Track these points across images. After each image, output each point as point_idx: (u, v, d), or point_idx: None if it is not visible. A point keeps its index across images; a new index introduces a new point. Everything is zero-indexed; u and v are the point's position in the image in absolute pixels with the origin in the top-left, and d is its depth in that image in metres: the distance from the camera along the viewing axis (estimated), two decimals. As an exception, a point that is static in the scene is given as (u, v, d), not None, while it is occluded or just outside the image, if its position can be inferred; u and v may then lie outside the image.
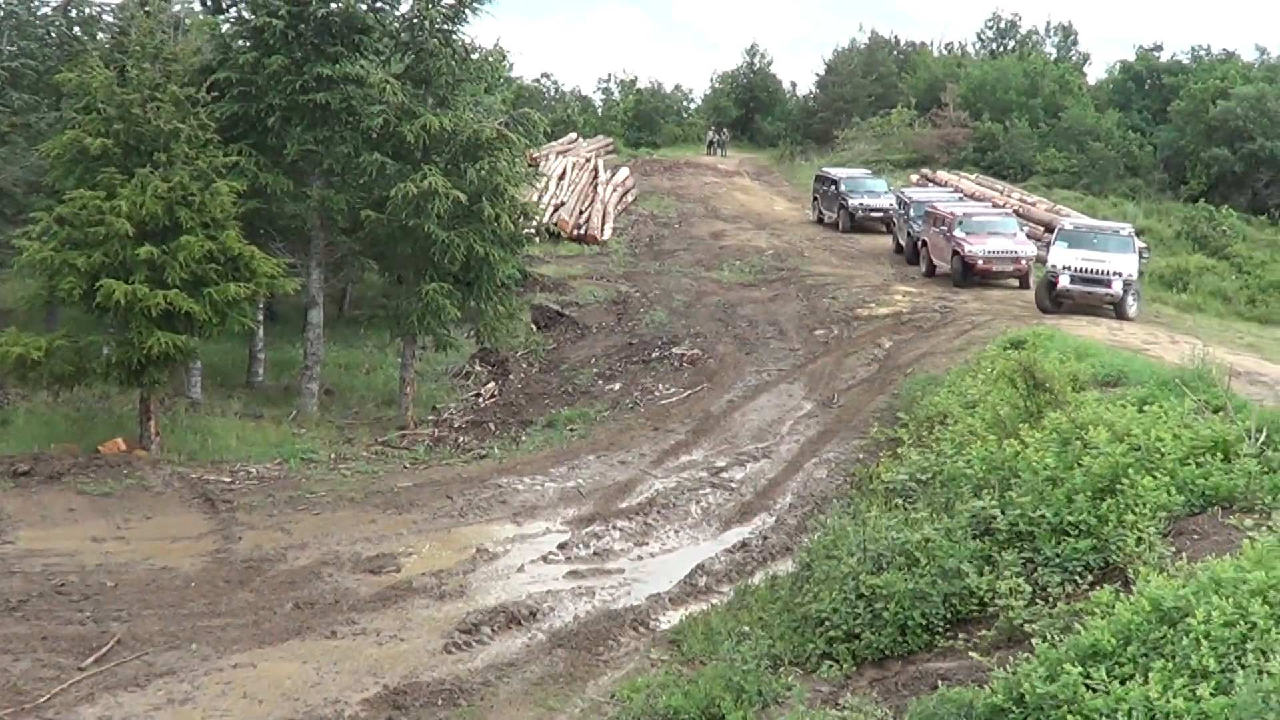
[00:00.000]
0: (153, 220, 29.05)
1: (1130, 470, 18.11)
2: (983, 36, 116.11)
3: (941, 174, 73.79)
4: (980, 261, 46.49)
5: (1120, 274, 42.26)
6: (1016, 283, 47.34)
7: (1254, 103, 75.74)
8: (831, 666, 17.67)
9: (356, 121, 34.84)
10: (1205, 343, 30.39)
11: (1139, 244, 50.51)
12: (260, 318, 36.43)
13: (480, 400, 38.91)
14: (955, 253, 47.24)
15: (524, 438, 34.15)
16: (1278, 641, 11.45)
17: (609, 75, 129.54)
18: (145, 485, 27.84)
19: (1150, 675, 12.00)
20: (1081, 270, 42.37)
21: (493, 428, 35.53)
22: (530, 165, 53.80)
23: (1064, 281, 42.43)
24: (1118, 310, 42.36)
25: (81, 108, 31.00)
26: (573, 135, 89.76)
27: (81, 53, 34.54)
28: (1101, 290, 42.58)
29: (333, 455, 31.62)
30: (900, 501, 22.35)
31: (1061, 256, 43.13)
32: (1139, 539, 16.28)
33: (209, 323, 29.81)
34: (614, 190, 68.95)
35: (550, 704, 17.68)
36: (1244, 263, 57.47)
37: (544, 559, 24.09)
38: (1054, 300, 42.70)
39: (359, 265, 39.31)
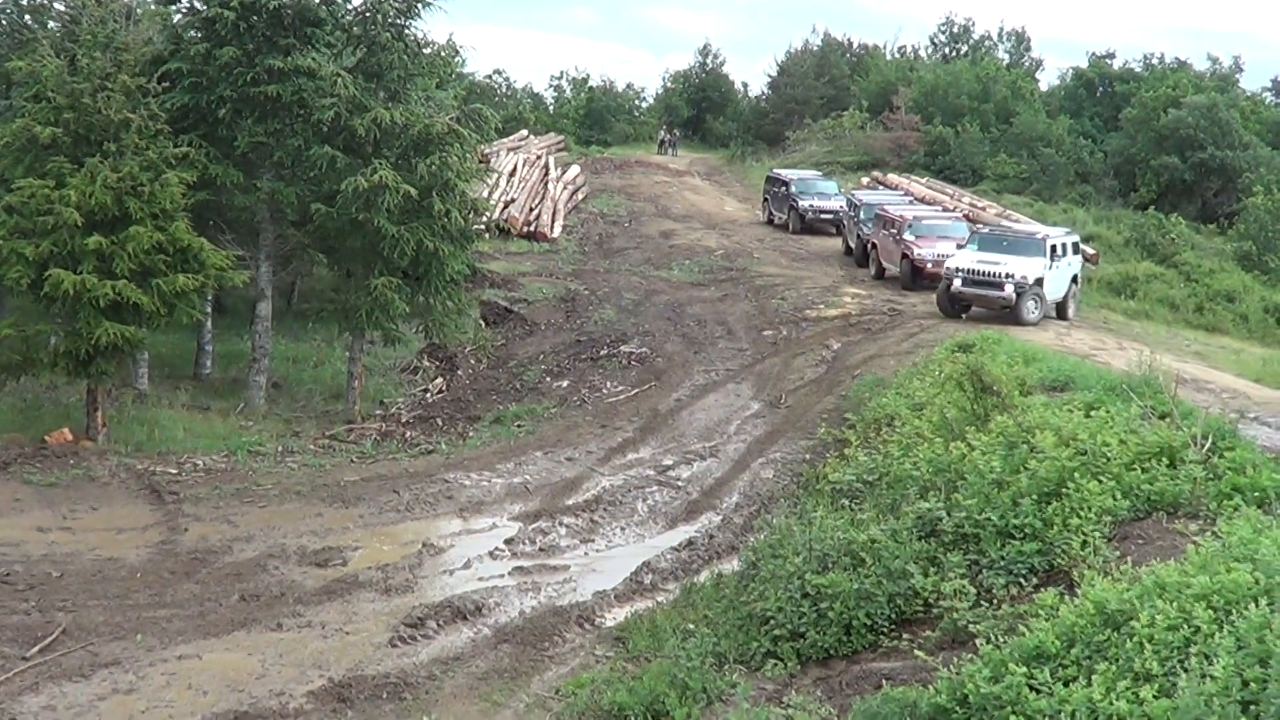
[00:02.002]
0: (102, 210, 28.89)
1: (1076, 474, 18.22)
2: (936, 41, 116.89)
3: (892, 177, 73.97)
4: (929, 265, 46.40)
5: (1013, 277, 41.09)
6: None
7: (1205, 112, 76.43)
8: (776, 665, 17.74)
9: (307, 114, 34.70)
10: (1152, 349, 30.56)
11: (1087, 250, 50.87)
12: (208, 310, 36.21)
13: (428, 396, 38.85)
14: (904, 256, 47.28)
15: (471, 433, 34.13)
16: (1220, 645, 11.53)
17: (561, 73, 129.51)
18: (91, 476, 27.73)
19: (1094, 677, 12.09)
20: (974, 272, 41.70)
21: (440, 423, 35.48)
22: (481, 161, 53.53)
23: (956, 284, 41.99)
24: (1013, 314, 41.03)
25: (31, 96, 30.82)
26: (524, 132, 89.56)
27: (32, 41, 34.24)
28: (993, 293, 41.45)
29: (280, 448, 31.50)
30: (847, 502, 22.45)
31: (960, 259, 42.82)
32: (1084, 542, 16.40)
33: (157, 314, 29.66)
34: (564, 188, 68.94)
35: (495, 699, 17.71)
36: (1192, 271, 57.79)
37: (490, 554, 24.12)
38: (950, 302, 42.54)
39: (308, 259, 39.12)
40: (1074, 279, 44.88)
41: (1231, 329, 51.44)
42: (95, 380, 30.01)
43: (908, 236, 47.43)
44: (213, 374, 37.75)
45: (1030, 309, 41.28)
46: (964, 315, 42.15)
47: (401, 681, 18.18)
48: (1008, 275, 41.03)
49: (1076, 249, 46.02)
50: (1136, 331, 44.61)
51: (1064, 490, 18.02)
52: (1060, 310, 43.85)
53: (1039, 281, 41.62)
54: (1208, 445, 19.12)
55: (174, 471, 28.64)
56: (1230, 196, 74.62)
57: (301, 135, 34.51)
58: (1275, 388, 32.53)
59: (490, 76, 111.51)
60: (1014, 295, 40.97)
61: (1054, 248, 42.93)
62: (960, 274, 41.88)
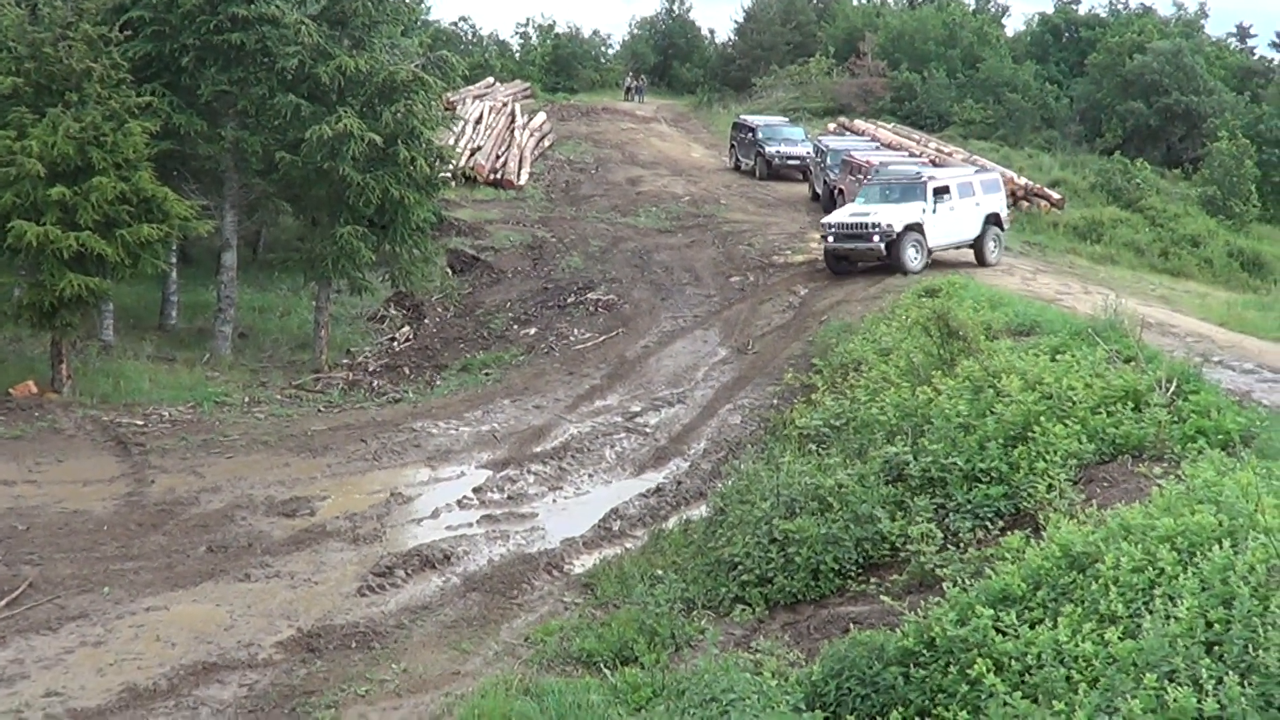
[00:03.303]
0: (64, 161, 28.70)
1: (1042, 418, 18.33)
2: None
3: (859, 123, 73.88)
4: (897, 210, 46.64)
5: (879, 227, 39.57)
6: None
7: (1170, 57, 76.58)
8: (744, 610, 17.84)
9: (271, 62, 34.53)
10: (1118, 294, 30.67)
11: (1052, 194, 50.92)
12: (173, 260, 36.05)
13: (395, 344, 38.78)
14: (871, 201, 47.40)
15: (439, 382, 34.12)
16: (1185, 587, 11.60)
17: (527, 20, 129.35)
18: (57, 428, 27.63)
19: (1060, 619, 12.17)
20: (845, 226, 40.59)
21: (407, 372, 35.45)
22: (447, 109, 53.51)
23: (830, 240, 41.15)
24: (894, 265, 39.69)
25: (-9, 46, 30.62)
26: (490, 79, 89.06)
27: (-9, -10, 34.05)
28: (864, 246, 40.17)
29: (246, 398, 31.45)
30: (814, 447, 22.49)
31: (837, 214, 42.11)
32: (1050, 486, 16.48)
33: (121, 265, 29.51)
34: (531, 135, 68.70)
35: (464, 646, 17.72)
36: (1157, 215, 58.01)
37: (458, 503, 24.12)
38: (833, 259, 41.74)
39: (273, 208, 39.01)
40: (992, 219, 42.70)
41: (1196, 273, 51.73)
42: (60, 332, 29.87)
43: (874, 182, 47.46)
44: (178, 325, 37.62)
45: (911, 257, 40.02)
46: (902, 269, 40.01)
47: (370, 631, 18.19)
48: (874, 226, 39.82)
49: (994, 187, 43.93)
50: (1102, 276, 44.69)
51: (1030, 434, 18.13)
52: (977, 254, 42.16)
53: (915, 228, 40.25)
54: (1172, 389, 19.20)
55: (140, 423, 28.55)
56: (1195, 141, 74.92)
57: (265, 83, 34.34)
58: (1239, 332, 32.65)
59: (456, 23, 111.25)
60: (883, 246, 39.81)
61: (941, 190, 41.28)
62: (833, 230, 41.03)
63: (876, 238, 39.59)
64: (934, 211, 40.65)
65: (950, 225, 41.23)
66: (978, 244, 42.06)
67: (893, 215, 39.87)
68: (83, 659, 17.07)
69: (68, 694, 15.98)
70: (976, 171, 45.43)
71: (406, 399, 32.17)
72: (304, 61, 33.75)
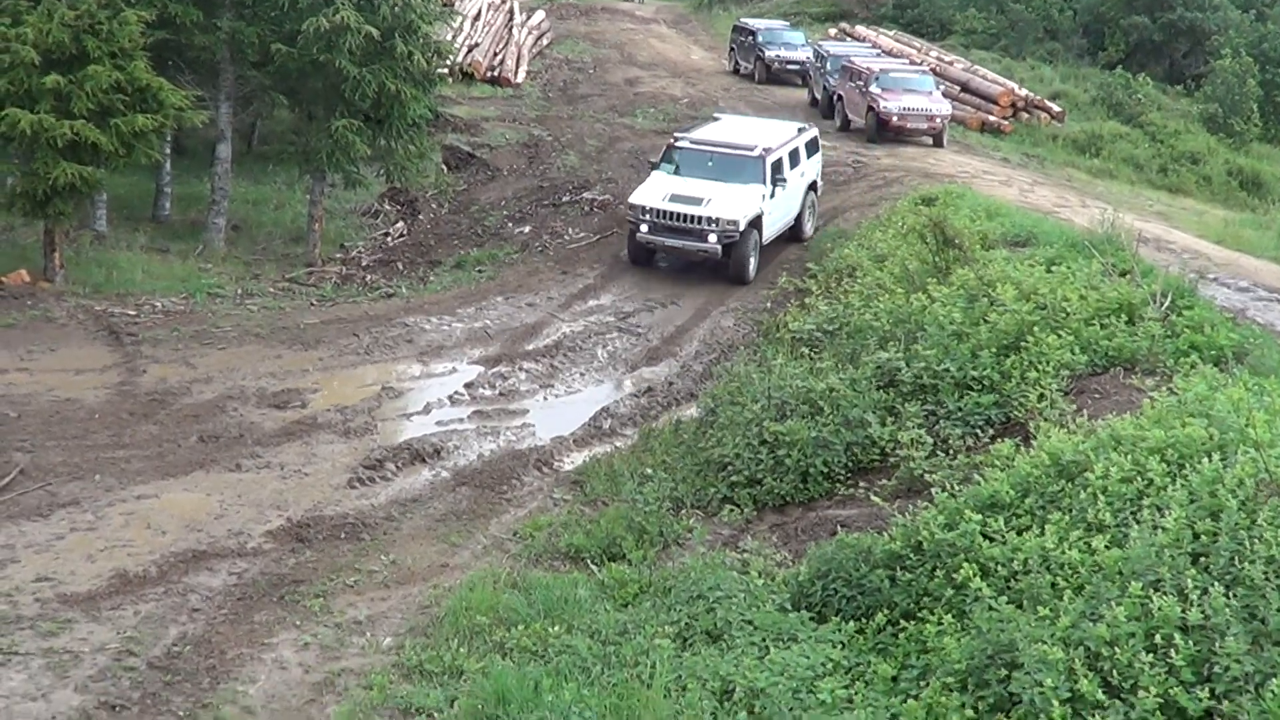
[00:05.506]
0: (59, 49, 28.38)
1: (1035, 328, 18.43)
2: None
3: (860, 29, 73.50)
4: (895, 118, 46.22)
5: (718, 223, 31.36)
6: (930, 140, 47.11)
7: (1175, -28, 76.01)
8: (733, 510, 17.96)
9: (268, -48, 34.24)
10: (1115, 208, 30.64)
11: (1052, 106, 50.64)
12: (167, 151, 35.73)
13: (389, 239, 38.63)
14: (870, 108, 47.03)
15: (432, 278, 34.00)
16: (1173, 498, 11.68)
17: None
18: (49, 317, 27.50)
19: (1047, 527, 12.26)
20: (666, 215, 31.94)
21: (401, 267, 35.34)
22: (445, 4, 53.07)
23: (643, 230, 32.40)
24: (729, 271, 32.15)
25: (-13, -67, 30.29)
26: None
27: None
28: (693, 244, 31.72)
29: (239, 291, 31.29)
30: (806, 351, 22.59)
31: (649, 192, 32.86)
32: (1041, 395, 16.57)
33: (115, 154, 29.23)
34: (529, 33, 68.28)
35: (453, 540, 17.81)
36: (1157, 131, 57.88)
37: (449, 398, 24.11)
38: (642, 252, 33.53)
39: (269, 100, 38.65)
40: (812, 186, 36.35)
41: (1195, 191, 51.71)
42: (53, 221, 29.69)
43: (874, 89, 47.15)
44: (172, 216, 37.42)
45: (751, 261, 32.35)
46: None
47: (360, 522, 18.27)
48: (710, 221, 31.40)
49: (815, 146, 37.10)
50: (1100, 190, 44.66)
51: (1023, 343, 18.24)
52: (795, 231, 35.17)
53: (756, 221, 32.26)
54: (1167, 303, 19.31)
55: (132, 313, 28.43)
56: (1198, 58, 74.48)
57: (262, -27, 34.04)
58: (1235, 249, 32.74)
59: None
60: (720, 249, 31.61)
61: (777, 165, 33.61)
62: (646, 217, 32.24)
63: (713, 237, 31.50)
64: (772, 196, 33.03)
65: (781, 209, 34.05)
66: (798, 219, 35.42)
67: (732, 205, 31.80)
68: (73, 545, 17.12)
69: (58, 579, 16.03)
70: (800, 131, 36.90)
71: (399, 294, 32.07)
72: (301, -49, 33.46)
